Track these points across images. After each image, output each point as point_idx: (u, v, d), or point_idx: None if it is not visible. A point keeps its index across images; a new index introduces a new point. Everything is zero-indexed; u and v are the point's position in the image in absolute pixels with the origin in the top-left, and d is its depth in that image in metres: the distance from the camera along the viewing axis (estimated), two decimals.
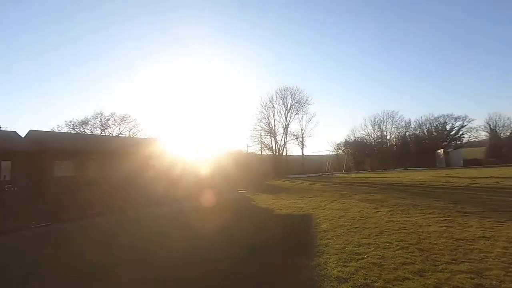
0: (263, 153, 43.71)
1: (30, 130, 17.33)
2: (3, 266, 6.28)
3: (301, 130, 44.86)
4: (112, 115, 32.72)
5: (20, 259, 6.66)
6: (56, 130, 28.48)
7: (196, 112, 70.50)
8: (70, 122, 31.17)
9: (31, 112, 59.34)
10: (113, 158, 18.72)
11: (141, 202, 15.45)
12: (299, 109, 43.94)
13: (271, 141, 44.31)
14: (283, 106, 43.41)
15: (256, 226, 9.21)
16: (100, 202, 14.78)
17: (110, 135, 32.37)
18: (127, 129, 34.30)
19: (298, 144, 45.75)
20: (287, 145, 45.24)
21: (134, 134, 34.63)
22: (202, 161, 23.07)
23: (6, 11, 54.37)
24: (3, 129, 22.44)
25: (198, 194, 18.35)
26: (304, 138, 45.09)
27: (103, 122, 32.17)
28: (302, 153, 46.31)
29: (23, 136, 16.59)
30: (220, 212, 13.09)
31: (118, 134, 33.14)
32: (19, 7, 55.77)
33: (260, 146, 42.98)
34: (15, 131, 16.62)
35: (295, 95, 43.46)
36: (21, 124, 60.96)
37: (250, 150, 42.04)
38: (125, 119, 33.74)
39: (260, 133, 43.05)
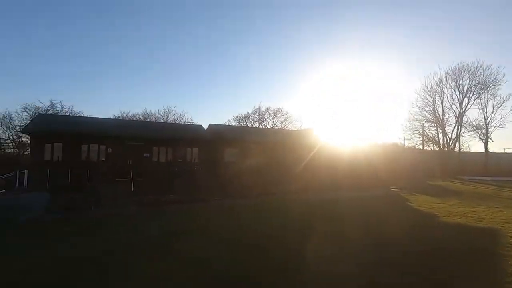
0: (426, 148, 36.74)
1: (210, 124, 22.17)
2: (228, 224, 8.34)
3: (485, 119, 34.21)
4: (267, 109, 37.16)
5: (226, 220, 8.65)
6: (227, 124, 35.13)
7: (348, 103, 68.33)
8: (237, 117, 37.88)
9: (212, 108, 75.74)
10: (267, 147, 21.03)
11: (292, 188, 16.62)
12: (481, 91, 33.53)
13: (438, 133, 36.47)
14: (456, 89, 34.42)
15: (414, 233, 7.81)
16: (256, 185, 17.02)
17: (266, 127, 36.66)
18: (280, 121, 37.90)
19: (480, 138, 35.32)
20: (461, 139, 35.92)
21: (286, 126, 37.69)
22: (352, 153, 22.08)
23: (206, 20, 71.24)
24: (194, 123, 29.82)
25: (345, 186, 17.75)
26: (489, 130, 34.27)
27: (260, 116, 37.06)
28: (486, 149, 35.47)
29: (205, 129, 21.43)
30: (368, 209, 12.07)
31: (272, 126, 37.09)
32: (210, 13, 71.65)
33: (421, 139, 36.31)
34: (200, 125, 21.76)
35: (475, 74, 33.38)
36: (205, 119, 78.68)
37: (407, 143, 36.36)
38: (278, 112, 37.42)
39: (422, 123, 36.11)
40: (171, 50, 75.58)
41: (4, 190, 12.63)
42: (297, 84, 75.92)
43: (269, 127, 37.29)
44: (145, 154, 17.21)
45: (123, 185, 14.39)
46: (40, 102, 25.77)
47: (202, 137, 19.07)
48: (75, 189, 12.78)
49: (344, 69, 68.76)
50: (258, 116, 37.65)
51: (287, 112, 39.04)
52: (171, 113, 33.89)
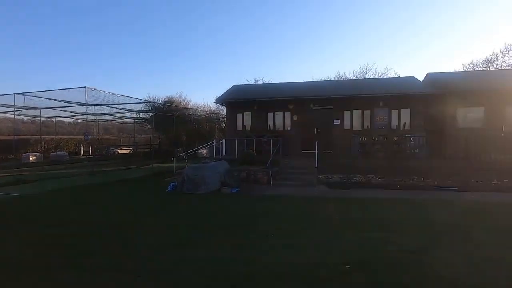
0: None
1: (428, 73, 15.02)
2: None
3: None
4: None
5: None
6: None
7: None
8: (469, 64, 25.47)
9: (423, 59, 60.00)
10: None
11: None
12: None
13: None
14: None
15: None
16: None
17: None
18: None
19: None
20: None
21: None
22: None
23: None
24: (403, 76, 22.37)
25: None
26: None
27: None
28: None
29: (420, 81, 14.63)
30: None
31: None
32: None
33: None
34: (412, 76, 15.10)
35: None
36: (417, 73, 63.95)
37: None
38: None
39: None
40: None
41: (206, 159, 13.57)
42: None
43: None
44: (334, 120, 13.68)
45: (307, 158, 11.73)
46: (247, 81, 28.86)
47: (416, 92, 12.78)
48: (257, 161, 11.53)
49: None
50: None
51: None
52: (370, 72, 27.95)
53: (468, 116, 12.54)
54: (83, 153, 31.69)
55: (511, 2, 47.99)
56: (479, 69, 24.15)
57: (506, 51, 23.66)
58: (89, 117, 16.52)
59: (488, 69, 23.64)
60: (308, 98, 13.76)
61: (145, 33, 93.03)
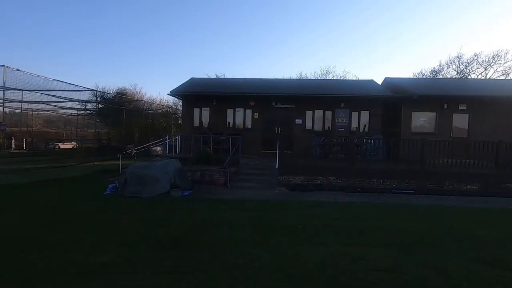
0: None
1: (385, 77, 15.39)
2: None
3: None
4: (476, 56, 24.22)
5: None
6: None
7: None
8: (419, 73, 27.46)
9: (379, 65, 63.94)
10: (491, 109, 12.22)
11: None
12: None
13: None
14: None
15: None
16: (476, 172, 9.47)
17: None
18: (501, 72, 24.06)
19: None
20: None
21: None
22: None
23: None
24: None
25: None
26: None
27: (462, 69, 24.77)
28: None
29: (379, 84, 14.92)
30: None
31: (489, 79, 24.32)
32: None
33: None
34: (372, 80, 15.36)
35: None
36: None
37: None
38: (497, 58, 23.65)
39: None
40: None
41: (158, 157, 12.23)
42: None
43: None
44: (296, 120, 13.27)
45: (268, 158, 11.10)
46: (208, 75, 27.62)
47: (375, 95, 12.90)
48: (214, 161, 10.58)
49: None
50: (456, 68, 25.68)
51: None
52: (330, 75, 28.61)
53: (421, 121, 12.98)
54: (15, 147, 27.60)
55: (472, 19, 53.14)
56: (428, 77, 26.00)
57: (450, 63, 25.80)
58: (16, 104, 14.02)
59: (435, 77, 25.53)
60: (270, 95, 13.15)
61: (99, 16, 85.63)
